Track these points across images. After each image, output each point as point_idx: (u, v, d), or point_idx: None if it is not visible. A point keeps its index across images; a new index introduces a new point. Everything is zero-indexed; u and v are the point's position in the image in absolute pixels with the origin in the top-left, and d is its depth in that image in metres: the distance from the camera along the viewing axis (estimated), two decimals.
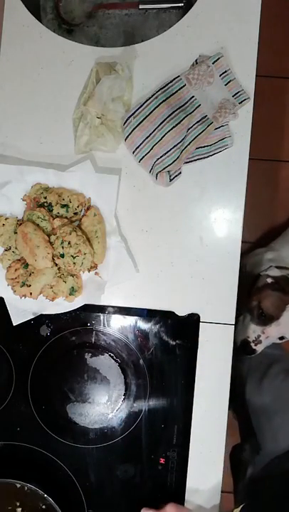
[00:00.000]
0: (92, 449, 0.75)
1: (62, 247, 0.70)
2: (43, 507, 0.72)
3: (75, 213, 0.73)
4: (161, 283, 0.77)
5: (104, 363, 0.76)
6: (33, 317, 0.73)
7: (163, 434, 0.74)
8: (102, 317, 0.76)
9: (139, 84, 0.78)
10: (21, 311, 0.73)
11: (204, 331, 0.76)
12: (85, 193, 0.74)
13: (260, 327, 0.94)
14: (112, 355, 0.76)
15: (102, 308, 0.76)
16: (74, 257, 0.70)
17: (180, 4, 0.88)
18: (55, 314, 0.75)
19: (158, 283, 0.77)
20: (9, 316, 0.74)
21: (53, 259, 0.70)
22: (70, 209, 0.73)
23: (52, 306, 0.72)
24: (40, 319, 0.76)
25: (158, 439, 0.75)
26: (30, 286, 0.71)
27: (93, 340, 0.76)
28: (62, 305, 0.72)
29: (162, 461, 0.74)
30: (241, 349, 0.93)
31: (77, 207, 0.73)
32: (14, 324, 0.73)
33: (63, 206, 0.73)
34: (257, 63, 0.76)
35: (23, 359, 0.76)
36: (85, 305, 0.75)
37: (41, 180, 0.74)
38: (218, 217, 0.77)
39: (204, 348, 0.75)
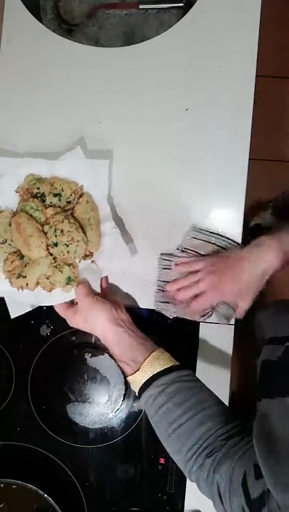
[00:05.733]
0: (92, 449, 0.75)
1: (56, 236, 0.69)
2: (35, 507, 0.72)
3: (68, 202, 0.72)
4: None
5: (104, 363, 0.76)
6: (30, 309, 0.72)
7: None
8: None
9: (139, 84, 0.78)
10: (19, 303, 0.72)
11: (204, 331, 0.76)
12: (77, 180, 0.73)
13: (277, 218, 0.91)
14: (111, 355, 0.76)
15: None
16: (67, 245, 0.69)
17: (180, 4, 0.88)
18: (55, 314, 0.75)
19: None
20: (9, 315, 0.74)
21: (48, 248, 0.70)
22: (62, 198, 0.72)
23: (49, 297, 0.71)
24: (40, 319, 0.76)
25: (158, 439, 0.74)
26: (25, 277, 0.70)
27: (93, 340, 0.76)
28: (60, 295, 0.71)
29: (162, 461, 0.74)
30: (251, 230, 0.90)
31: (70, 195, 0.72)
32: (12, 317, 0.72)
33: (56, 195, 0.72)
34: (257, 63, 0.76)
35: (23, 359, 0.76)
36: None
37: (34, 171, 0.73)
38: (218, 217, 0.77)
39: (204, 348, 0.75)
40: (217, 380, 0.75)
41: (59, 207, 0.72)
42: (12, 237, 0.71)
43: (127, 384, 0.76)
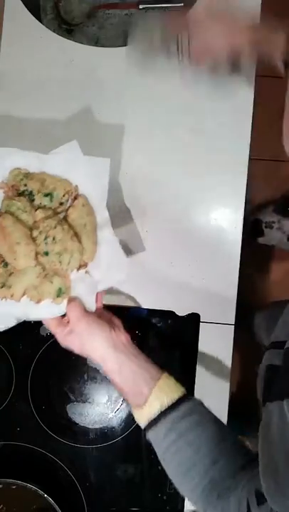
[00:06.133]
0: (92, 449, 0.75)
1: (46, 244, 0.60)
2: (34, 507, 0.72)
3: (61, 203, 0.63)
4: (161, 283, 0.77)
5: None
6: (16, 323, 0.63)
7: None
8: None
9: (139, 84, 0.78)
10: (2, 316, 0.63)
11: (204, 331, 0.76)
12: (72, 179, 0.64)
13: (278, 216, 0.91)
14: None
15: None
16: (60, 255, 0.60)
17: (180, 4, 0.88)
18: None
19: (158, 283, 0.77)
20: None
21: (37, 257, 0.61)
22: (54, 198, 0.63)
23: (37, 309, 0.62)
24: None
25: None
26: (10, 287, 0.61)
27: None
28: (49, 308, 0.62)
29: None
30: (251, 227, 0.88)
31: (63, 196, 0.63)
32: None
33: (47, 195, 0.62)
34: (257, 63, 0.76)
35: (23, 359, 0.76)
36: None
37: (21, 164, 0.64)
38: (218, 217, 0.77)
39: (204, 348, 0.75)
40: (217, 380, 0.75)
41: (50, 208, 0.63)
42: None
43: None
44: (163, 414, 0.54)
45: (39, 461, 0.75)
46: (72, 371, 0.76)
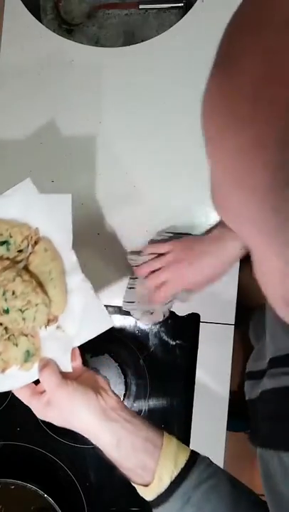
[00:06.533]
0: (92, 449, 0.75)
1: (6, 300, 0.51)
2: (32, 508, 0.72)
3: (20, 251, 0.55)
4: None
5: (104, 363, 0.76)
6: None
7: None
8: None
9: (139, 84, 0.78)
10: None
11: (204, 331, 0.76)
12: (30, 222, 0.55)
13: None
14: (112, 355, 0.76)
15: None
16: (23, 311, 0.52)
17: (180, 4, 0.88)
18: None
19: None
20: None
21: None
22: (11, 246, 0.54)
23: (3, 380, 0.53)
24: None
25: None
26: None
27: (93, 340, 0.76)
28: (16, 377, 0.53)
29: None
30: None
31: (22, 242, 0.54)
32: None
33: (2, 244, 0.54)
34: None
35: None
36: None
37: None
38: (218, 217, 0.77)
39: (204, 348, 0.75)
40: (217, 379, 0.75)
41: (7, 258, 0.54)
42: None
43: (127, 384, 0.76)
44: (173, 485, 0.47)
45: (39, 461, 0.75)
46: None
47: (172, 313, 0.76)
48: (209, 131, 0.24)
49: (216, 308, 0.76)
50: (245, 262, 0.78)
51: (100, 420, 0.49)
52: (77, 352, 0.55)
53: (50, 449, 0.76)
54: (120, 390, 0.76)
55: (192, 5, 0.78)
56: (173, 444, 0.50)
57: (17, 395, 0.53)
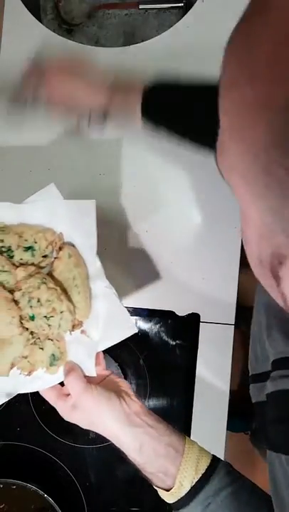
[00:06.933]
0: (92, 449, 0.75)
1: (31, 307, 0.52)
2: (32, 507, 0.72)
3: (44, 256, 0.55)
4: (161, 283, 0.77)
5: (105, 363, 0.76)
6: (6, 400, 0.56)
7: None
8: None
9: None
10: None
11: (204, 331, 0.76)
12: (55, 227, 0.55)
13: None
14: (112, 355, 0.76)
15: None
16: (48, 318, 0.52)
17: (180, 4, 0.88)
18: None
19: (158, 283, 0.77)
20: None
21: (21, 322, 0.53)
22: (36, 252, 0.54)
23: (30, 382, 0.55)
24: None
25: None
26: None
27: None
28: (43, 379, 0.55)
29: None
30: None
31: (46, 247, 0.54)
32: None
33: (27, 249, 0.54)
34: None
35: None
36: None
37: None
38: (218, 217, 0.77)
39: (204, 348, 0.75)
40: (217, 379, 0.75)
41: (32, 264, 0.54)
42: None
43: None
44: (194, 491, 0.48)
45: (39, 461, 0.75)
46: None
47: (172, 313, 0.76)
48: (224, 80, 0.24)
49: (216, 308, 0.76)
50: (246, 262, 0.78)
51: (123, 425, 0.50)
52: (102, 356, 0.56)
53: (50, 449, 0.76)
54: None
55: (192, 5, 0.78)
56: (195, 450, 0.50)
57: (43, 396, 0.55)
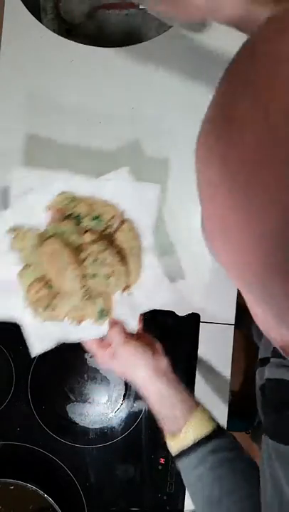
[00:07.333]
0: (92, 449, 0.75)
1: (95, 266, 0.61)
2: (30, 507, 0.72)
3: (107, 227, 0.64)
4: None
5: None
6: (55, 345, 0.63)
7: (163, 434, 0.74)
8: None
9: (139, 84, 0.78)
10: (42, 337, 0.63)
11: (204, 331, 0.76)
12: (120, 203, 0.64)
13: None
14: None
15: None
16: (107, 278, 0.61)
17: None
18: None
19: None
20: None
21: (83, 278, 0.61)
22: (101, 222, 0.63)
23: (78, 331, 0.63)
24: None
25: (158, 439, 0.75)
26: (54, 309, 0.62)
27: None
28: (89, 330, 0.63)
29: (162, 461, 0.74)
30: None
31: (111, 219, 0.63)
32: (33, 355, 0.63)
33: (94, 218, 0.63)
34: None
35: (23, 359, 0.76)
36: None
37: (68, 188, 0.64)
38: None
39: (204, 348, 0.75)
40: (217, 379, 0.75)
41: (97, 231, 0.63)
42: (42, 265, 0.62)
43: (127, 384, 0.76)
44: (195, 446, 0.55)
45: (39, 461, 0.75)
46: (72, 371, 0.76)
47: (172, 313, 0.76)
48: (201, 177, 0.23)
49: (216, 308, 0.76)
50: None
51: (151, 375, 0.59)
52: (141, 318, 0.65)
53: (50, 449, 0.76)
54: (120, 390, 0.76)
55: None
56: (204, 415, 0.58)
57: (86, 346, 0.64)
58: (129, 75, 0.78)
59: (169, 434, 0.58)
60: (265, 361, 0.59)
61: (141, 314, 0.65)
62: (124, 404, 0.76)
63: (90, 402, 0.76)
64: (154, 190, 0.64)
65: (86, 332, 0.63)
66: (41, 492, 0.70)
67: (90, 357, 0.76)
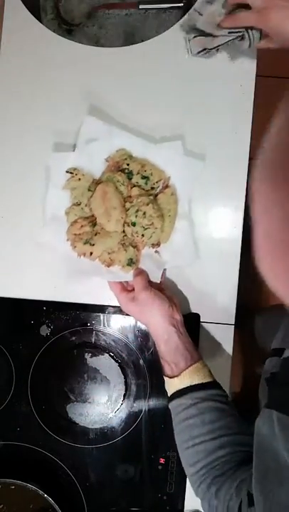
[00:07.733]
0: (92, 449, 0.75)
1: (136, 216, 0.69)
2: (31, 506, 0.72)
3: (152, 188, 0.73)
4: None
5: (104, 363, 0.76)
6: (83, 279, 0.73)
7: (163, 434, 0.74)
8: (102, 317, 0.76)
9: (139, 84, 0.78)
10: (74, 270, 0.72)
11: (204, 331, 0.76)
12: (168, 170, 0.74)
13: None
14: (112, 355, 0.76)
15: (102, 308, 0.76)
16: (145, 229, 0.70)
17: (180, 4, 0.88)
18: (55, 314, 0.75)
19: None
20: (10, 316, 0.74)
21: (124, 225, 0.70)
22: (149, 182, 0.73)
23: (105, 272, 0.71)
24: (40, 319, 0.76)
25: (158, 439, 0.75)
26: (93, 245, 0.70)
27: (93, 340, 0.76)
28: (116, 274, 0.71)
29: (162, 461, 0.74)
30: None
31: (156, 182, 0.73)
32: (67, 277, 0.73)
33: (144, 178, 0.72)
34: (257, 63, 0.76)
35: (23, 359, 0.76)
36: (85, 304, 0.76)
37: (128, 146, 0.73)
38: (218, 217, 0.77)
39: (204, 348, 0.75)
40: (217, 380, 0.75)
41: (143, 189, 0.72)
42: (93, 204, 0.71)
43: (127, 384, 0.76)
44: (190, 389, 0.60)
45: (39, 461, 0.75)
46: (72, 371, 0.76)
47: None
48: (257, 205, 0.27)
49: (216, 308, 0.76)
50: (246, 262, 0.78)
51: (164, 322, 0.65)
52: (164, 274, 0.73)
53: (50, 449, 0.76)
54: (120, 390, 0.76)
55: (192, 5, 0.78)
56: (205, 367, 0.63)
57: (111, 287, 0.70)
58: (129, 75, 0.78)
59: (168, 373, 0.63)
60: (278, 351, 0.62)
61: (164, 270, 0.73)
62: (124, 404, 0.76)
63: (90, 402, 0.76)
64: (198, 166, 0.74)
65: (113, 275, 0.71)
66: (41, 492, 0.70)
67: (91, 357, 0.76)
